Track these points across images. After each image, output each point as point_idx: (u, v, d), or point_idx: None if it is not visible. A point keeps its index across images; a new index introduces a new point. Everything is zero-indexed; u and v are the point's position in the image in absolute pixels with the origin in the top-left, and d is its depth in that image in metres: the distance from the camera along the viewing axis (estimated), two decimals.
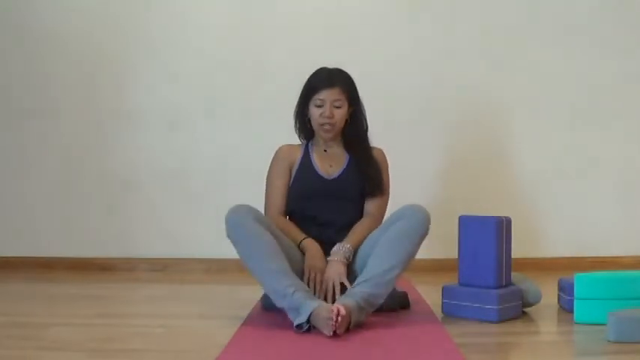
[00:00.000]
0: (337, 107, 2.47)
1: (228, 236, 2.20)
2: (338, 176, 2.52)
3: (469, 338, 2.02)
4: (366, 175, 2.51)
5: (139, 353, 1.91)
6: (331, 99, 2.45)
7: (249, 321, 2.24)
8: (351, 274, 2.34)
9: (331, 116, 2.46)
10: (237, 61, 3.68)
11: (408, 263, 2.23)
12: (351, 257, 2.35)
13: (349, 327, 2.02)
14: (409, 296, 2.49)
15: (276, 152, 2.60)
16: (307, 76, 2.52)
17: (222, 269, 3.50)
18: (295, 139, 2.65)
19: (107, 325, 2.31)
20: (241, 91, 3.69)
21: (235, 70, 3.68)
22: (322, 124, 2.48)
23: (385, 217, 2.46)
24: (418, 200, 3.50)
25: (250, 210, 2.21)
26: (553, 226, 3.65)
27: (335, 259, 2.32)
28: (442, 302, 2.38)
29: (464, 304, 2.29)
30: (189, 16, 3.72)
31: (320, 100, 2.46)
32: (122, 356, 1.89)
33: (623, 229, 3.64)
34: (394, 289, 2.45)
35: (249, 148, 3.63)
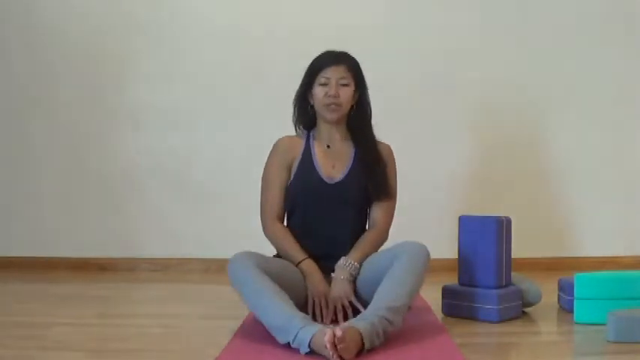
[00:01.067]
0: (344, 85, 2.33)
1: (232, 286, 2.09)
2: (341, 180, 2.35)
3: (469, 338, 2.02)
4: (372, 177, 2.36)
5: (139, 353, 1.92)
6: (337, 77, 2.32)
7: (248, 321, 2.23)
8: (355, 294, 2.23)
9: (337, 95, 2.31)
10: (237, 61, 3.68)
11: (414, 298, 2.09)
12: (357, 274, 2.23)
13: (361, 352, 1.80)
14: None
15: (276, 144, 2.43)
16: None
17: (222, 269, 3.46)
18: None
19: (107, 325, 2.32)
20: (241, 91, 3.69)
21: (235, 70, 3.68)
22: (328, 104, 2.32)
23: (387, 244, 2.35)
24: (418, 200, 3.54)
25: (250, 256, 2.09)
26: (553, 226, 3.65)
27: (341, 278, 2.20)
28: (442, 302, 2.38)
29: (464, 304, 2.29)
30: (189, 16, 3.71)
31: (325, 78, 2.32)
32: (122, 356, 1.89)
33: (623, 229, 3.64)
34: None
35: (249, 148, 3.62)
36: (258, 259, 2.10)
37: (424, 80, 3.65)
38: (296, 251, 2.30)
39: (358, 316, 1.93)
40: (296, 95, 2.44)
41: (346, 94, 2.34)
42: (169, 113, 3.71)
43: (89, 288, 3.15)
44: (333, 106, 2.33)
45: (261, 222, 2.40)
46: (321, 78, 2.33)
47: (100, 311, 2.54)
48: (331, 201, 2.34)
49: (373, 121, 2.47)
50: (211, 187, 3.69)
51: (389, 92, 3.60)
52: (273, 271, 2.09)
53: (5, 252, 3.74)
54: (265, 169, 2.43)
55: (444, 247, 3.22)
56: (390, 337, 1.92)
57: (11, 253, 3.74)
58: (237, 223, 3.46)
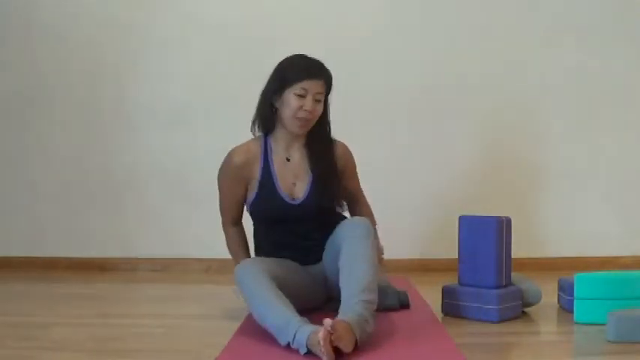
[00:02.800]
0: (317, 101, 2.26)
1: (238, 290, 2.09)
2: (304, 200, 2.30)
3: (469, 338, 2.02)
4: (329, 196, 2.33)
5: (139, 353, 1.92)
6: (315, 91, 2.24)
7: (248, 321, 2.23)
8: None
9: (312, 110, 2.25)
10: (237, 61, 3.68)
11: (377, 268, 2.07)
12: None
13: (357, 343, 1.80)
14: (409, 296, 2.49)
15: (230, 159, 2.35)
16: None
17: (222, 269, 3.50)
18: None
19: (107, 325, 2.32)
20: (241, 91, 3.67)
21: (235, 70, 3.68)
22: (299, 118, 2.25)
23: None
24: (418, 200, 3.54)
25: (257, 262, 2.13)
26: (553, 226, 3.65)
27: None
28: (442, 302, 2.38)
29: (464, 304, 2.29)
30: (189, 16, 3.71)
31: (303, 89, 2.22)
32: (122, 356, 1.89)
33: (623, 229, 3.64)
34: (394, 288, 2.46)
35: None
36: (266, 264, 2.11)
37: (424, 81, 3.65)
38: (240, 258, 2.36)
39: (340, 311, 1.90)
40: (262, 95, 2.34)
41: (319, 111, 2.30)
42: (169, 113, 3.71)
43: (89, 288, 3.15)
44: (304, 121, 2.27)
45: (221, 222, 2.50)
46: (299, 88, 2.23)
47: (100, 311, 2.54)
48: (297, 219, 2.31)
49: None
50: (211, 187, 3.67)
51: (389, 94, 3.62)
52: (280, 275, 2.11)
53: (5, 252, 3.75)
54: (218, 179, 2.42)
55: (444, 247, 3.23)
56: (389, 335, 1.93)
57: (11, 253, 3.75)
58: None
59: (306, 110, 2.24)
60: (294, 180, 2.34)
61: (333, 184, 2.35)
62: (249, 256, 2.44)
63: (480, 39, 3.66)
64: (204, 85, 3.70)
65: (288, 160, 2.36)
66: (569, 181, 3.65)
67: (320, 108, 2.30)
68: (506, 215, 2.36)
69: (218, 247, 3.52)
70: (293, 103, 2.24)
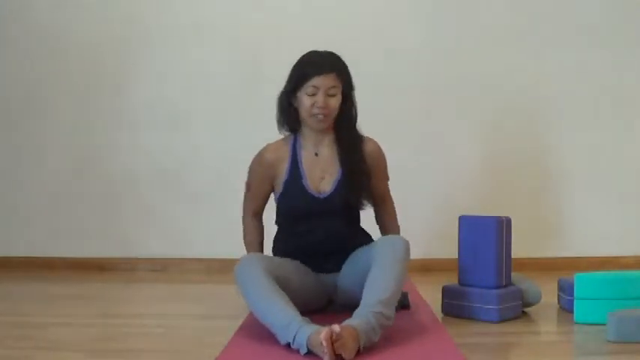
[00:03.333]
0: (332, 95, 2.25)
1: (237, 287, 2.08)
2: (330, 194, 2.31)
3: (469, 338, 2.02)
4: (357, 191, 2.33)
5: (139, 353, 1.92)
6: (326, 86, 2.23)
7: (248, 321, 2.23)
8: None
9: (325, 106, 2.24)
10: (237, 62, 3.68)
11: (401, 287, 2.05)
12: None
13: (360, 350, 1.79)
14: (409, 296, 2.49)
15: (261, 156, 2.40)
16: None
17: (222, 269, 3.50)
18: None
19: (107, 325, 2.32)
20: (241, 91, 3.69)
21: (235, 70, 3.68)
22: (315, 115, 2.26)
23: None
24: (418, 200, 3.54)
25: (258, 259, 2.10)
26: (553, 226, 3.65)
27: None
28: (442, 302, 2.38)
29: (464, 304, 2.29)
30: (189, 17, 3.71)
31: (313, 87, 2.23)
32: (122, 356, 1.89)
33: (623, 229, 3.64)
34: None
35: (249, 148, 3.61)
36: (266, 263, 2.10)
37: (425, 81, 3.65)
38: (253, 251, 2.41)
39: (353, 315, 1.90)
40: (280, 96, 2.37)
41: (335, 104, 2.28)
42: (169, 113, 3.71)
43: (89, 288, 3.15)
44: (320, 116, 2.27)
45: (242, 211, 2.52)
46: (309, 87, 2.24)
47: (100, 311, 2.54)
48: (322, 213, 2.30)
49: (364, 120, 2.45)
50: (211, 186, 3.69)
51: (390, 93, 3.62)
52: (281, 274, 2.10)
53: (5, 252, 3.75)
54: (249, 175, 2.45)
55: (444, 247, 3.23)
56: (389, 336, 1.92)
57: (11, 253, 3.74)
58: (238, 223, 3.44)
59: (318, 107, 2.25)
60: (323, 174, 2.34)
61: (362, 179, 2.34)
62: (262, 251, 2.45)
63: (480, 39, 3.65)
64: (204, 85, 3.70)
65: (316, 155, 2.36)
66: (570, 181, 3.65)
67: (335, 101, 2.28)
68: (506, 215, 2.36)
69: (218, 247, 3.54)
70: (306, 102, 2.26)
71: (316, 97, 2.25)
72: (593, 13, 3.64)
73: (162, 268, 3.67)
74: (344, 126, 2.36)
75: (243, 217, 2.51)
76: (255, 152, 2.47)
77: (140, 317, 2.49)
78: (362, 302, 1.94)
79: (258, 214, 2.50)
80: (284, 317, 1.87)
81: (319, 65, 2.26)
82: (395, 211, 2.55)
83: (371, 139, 2.44)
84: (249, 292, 2.01)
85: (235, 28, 3.69)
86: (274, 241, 2.48)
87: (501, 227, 2.29)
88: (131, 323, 2.35)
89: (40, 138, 3.77)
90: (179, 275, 3.53)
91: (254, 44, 3.68)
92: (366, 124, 3.66)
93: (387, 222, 2.51)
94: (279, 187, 2.36)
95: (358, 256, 2.28)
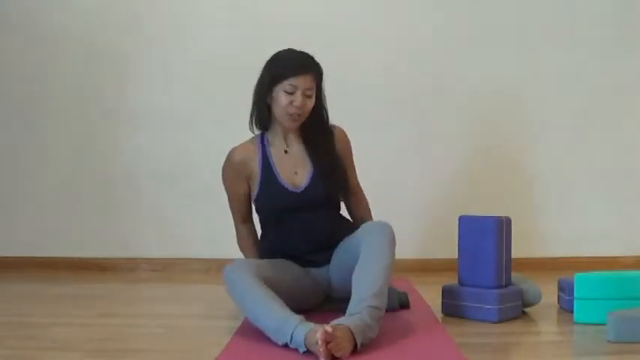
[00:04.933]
0: (308, 96, 2.26)
1: (228, 292, 2.09)
2: (306, 187, 2.31)
3: (469, 338, 2.02)
4: (333, 183, 2.33)
5: (139, 353, 1.92)
6: (304, 87, 2.23)
7: (248, 321, 2.23)
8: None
9: (302, 106, 2.24)
10: (237, 62, 3.67)
11: (391, 276, 2.06)
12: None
13: (357, 348, 1.79)
14: (409, 296, 2.49)
15: (229, 159, 2.37)
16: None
17: (222, 269, 3.46)
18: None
19: (107, 325, 2.32)
20: (241, 91, 3.67)
21: (235, 70, 3.68)
22: (291, 114, 2.26)
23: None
24: (418, 200, 3.54)
25: (245, 265, 2.10)
26: (553, 226, 3.64)
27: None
28: (442, 302, 2.38)
29: (464, 304, 2.29)
30: (189, 17, 3.71)
31: (292, 86, 2.22)
32: (122, 356, 1.89)
33: (623, 229, 3.64)
34: (394, 289, 2.46)
35: None
36: (254, 267, 2.10)
37: (424, 81, 3.65)
38: (250, 255, 2.45)
39: (346, 313, 1.90)
40: (255, 94, 2.36)
41: (310, 105, 2.29)
42: (169, 113, 3.71)
43: (89, 288, 3.15)
44: (295, 116, 2.27)
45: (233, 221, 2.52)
46: (287, 85, 2.24)
47: (100, 311, 2.54)
48: (301, 208, 2.30)
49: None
50: (211, 186, 3.67)
51: (390, 93, 3.62)
52: (271, 276, 2.10)
53: (5, 252, 3.75)
54: (224, 183, 2.42)
55: (444, 247, 3.23)
56: (389, 336, 1.92)
57: (11, 253, 3.74)
58: None
59: (296, 106, 2.25)
60: (295, 169, 2.35)
61: (337, 169, 2.36)
62: (258, 255, 2.46)
63: (479, 39, 3.65)
64: (204, 85, 3.70)
65: (286, 152, 2.37)
66: (569, 181, 3.65)
67: (310, 102, 2.29)
68: (506, 215, 2.36)
69: (218, 247, 3.54)
70: (283, 100, 2.25)
71: (293, 97, 2.24)
72: (593, 13, 3.64)
73: (163, 268, 3.66)
74: (313, 123, 2.36)
75: (235, 226, 2.51)
76: None
77: (140, 317, 2.49)
78: (352, 297, 1.94)
79: (247, 221, 2.49)
80: (279, 319, 1.87)
81: (300, 65, 2.26)
82: (367, 203, 2.54)
83: (337, 127, 2.45)
84: (241, 299, 2.01)
85: (237, 28, 3.68)
86: (260, 243, 2.48)
87: (501, 227, 2.29)
88: (131, 323, 2.35)
89: (40, 138, 3.77)
90: (179, 275, 3.53)
91: (255, 44, 3.67)
92: (366, 124, 3.67)
93: (363, 214, 2.50)
94: (255, 188, 2.36)
95: (346, 245, 2.27)
